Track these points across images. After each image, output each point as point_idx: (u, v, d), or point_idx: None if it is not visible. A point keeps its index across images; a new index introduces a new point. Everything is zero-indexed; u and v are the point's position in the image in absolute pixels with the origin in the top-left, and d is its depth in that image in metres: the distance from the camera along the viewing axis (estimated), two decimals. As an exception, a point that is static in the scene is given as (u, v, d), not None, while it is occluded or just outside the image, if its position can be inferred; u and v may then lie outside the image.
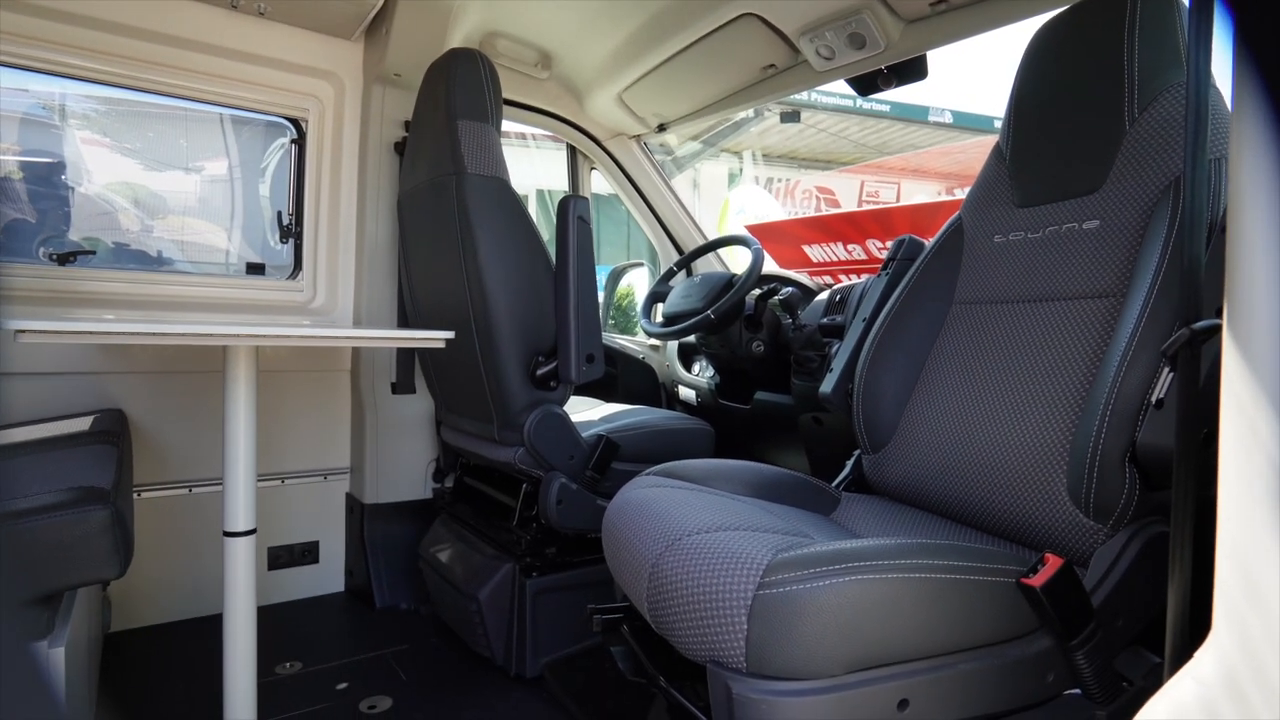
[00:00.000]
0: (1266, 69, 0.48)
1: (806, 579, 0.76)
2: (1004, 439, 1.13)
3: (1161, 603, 0.67)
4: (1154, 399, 0.84)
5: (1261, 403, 0.45)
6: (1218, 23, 0.65)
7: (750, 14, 1.83)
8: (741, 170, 10.86)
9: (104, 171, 2.32)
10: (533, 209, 8.16)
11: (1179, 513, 0.63)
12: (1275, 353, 0.45)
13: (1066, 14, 1.24)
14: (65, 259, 1.90)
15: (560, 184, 2.90)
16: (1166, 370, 0.83)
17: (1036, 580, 0.82)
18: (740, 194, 7.27)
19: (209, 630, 1.84)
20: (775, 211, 6.26)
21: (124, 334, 1.08)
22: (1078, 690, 0.89)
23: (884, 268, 1.58)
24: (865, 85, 1.97)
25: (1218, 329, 0.57)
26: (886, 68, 1.86)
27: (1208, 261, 0.72)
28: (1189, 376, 0.62)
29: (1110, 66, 1.13)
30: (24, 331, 0.98)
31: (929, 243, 1.44)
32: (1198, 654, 0.49)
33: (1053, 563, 0.83)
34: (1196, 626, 0.59)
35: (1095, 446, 0.93)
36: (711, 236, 2.62)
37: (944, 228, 1.41)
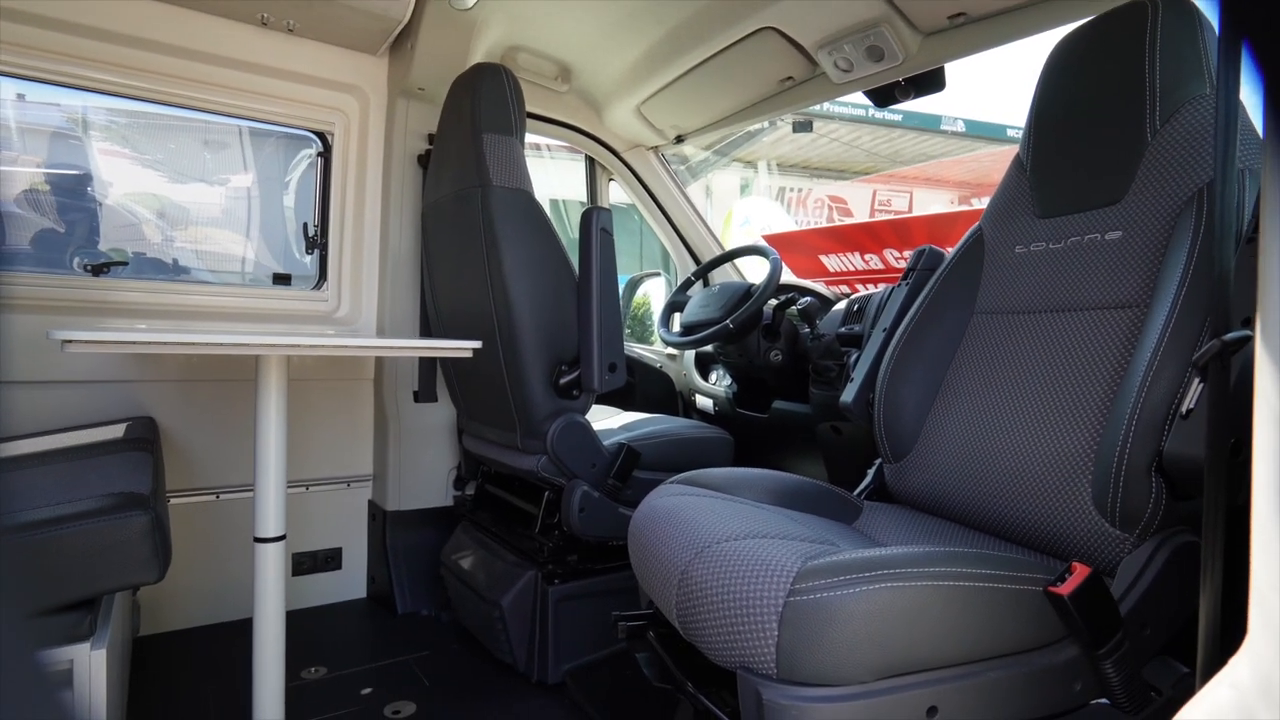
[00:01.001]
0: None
1: (837, 586, 0.77)
2: (1027, 448, 1.14)
3: (1189, 612, 0.68)
4: (1184, 409, 0.85)
5: (1295, 413, 0.46)
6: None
7: (769, 28, 1.86)
8: (754, 179, 10.89)
9: (133, 184, 2.37)
10: (547, 218, 8.23)
11: (1210, 522, 0.64)
12: (1307, 365, 0.46)
13: (1086, 27, 1.25)
14: (99, 270, 1.95)
15: (574, 194, 2.94)
16: (1197, 381, 0.83)
17: (1064, 589, 0.83)
18: (744, 205, 7.28)
19: (235, 635, 1.88)
20: (781, 222, 6.26)
21: (165, 344, 1.11)
22: (1106, 700, 0.89)
23: (904, 277, 1.60)
24: (882, 97, 1.99)
25: (1248, 340, 0.57)
26: (904, 79, 1.88)
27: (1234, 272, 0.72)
28: (1220, 387, 0.63)
29: (1131, 79, 1.14)
30: (70, 341, 1.01)
31: (949, 253, 1.46)
32: (1233, 660, 0.50)
33: (1080, 571, 0.84)
34: (1226, 635, 0.59)
35: (1121, 456, 0.94)
36: (724, 247, 2.64)
37: (964, 238, 1.43)
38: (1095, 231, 1.18)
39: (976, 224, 1.43)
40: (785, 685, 0.78)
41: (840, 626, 0.76)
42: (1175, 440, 0.88)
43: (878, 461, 1.46)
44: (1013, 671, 0.84)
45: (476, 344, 1.36)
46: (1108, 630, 0.85)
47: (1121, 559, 0.96)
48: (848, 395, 1.50)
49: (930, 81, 1.88)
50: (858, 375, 1.50)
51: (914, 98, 1.94)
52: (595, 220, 1.65)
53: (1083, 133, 1.23)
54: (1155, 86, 1.12)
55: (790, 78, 2.08)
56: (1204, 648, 0.63)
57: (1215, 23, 0.71)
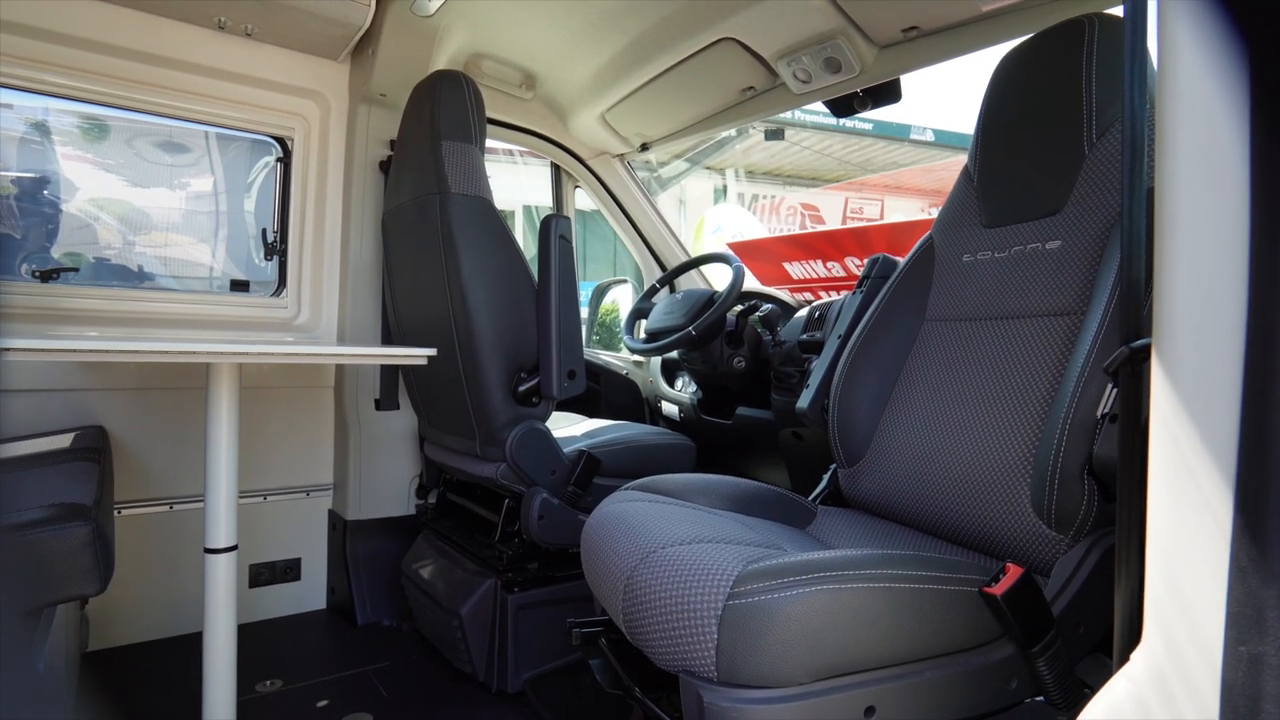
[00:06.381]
0: (1188, 100, 0.51)
1: (775, 589, 0.79)
2: (972, 452, 1.16)
3: None
4: (1099, 413, 0.88)
5: (1184, 419, 0.48)
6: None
7: (729, 38, 1.88)
8: (726, 188, 10.98)
9: (88, 188, 2.32)
10: (519, 224, 8.22)
11: (1124, 522, 0.66)
12: (1197, 373, 0.49)
13: (1028, 43, 1.29)
14: (48, 276, 1.91)
15: (546, 199, 2.94)
16: (1110, 385, 0.86)
17: (997, 589, 0.85)
18: (717, 211, 7.35)
19: (189, 649, 1.83)
20: (752, 228, 6.32)
21: (108, 351, 1.09)
22: (1041, 697, 0.92)
23: (858, 285, 1.62)
24: (841, 107, 2.02)
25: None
26: (862, 90, 1.92)
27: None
28: (1130, 392, 0.65)
29: (1070, 93, 1.18)
30: (9, 350, 0.99)
31: (902, 261, 1.49)
32: (1132, 656, 0.52)
33: (1013, 572, 0.86)
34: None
35: (1056, 459, 0.96)
36: (691, 254, 2.67)
37: (915, 247, 1.46)
38: (1037, 241, 1.21)
39: (928, 233, 1.47)
40: (725, 688, 0.79)
41: (777, 629, 0.77)
42: (1103, 443, 0.90)
43: (833, 466, 1.48)
44: (949, 671, 0.86)
45: (430, 351, 1.36)
46: (1041, 629, 0.88)
47: (1057, 559, 0.99)
48: (803, 401, 1.52)
49: (887, 93, 1.92)
50: (813, 381, 1.52)
51: (871, 108, 1.99)
52: (554, 228, 1.66)
53: (1025, 145, 1.27)
54: (1092, 101, 1.16)
55: (751, 87, 2.10)
56: (1119, 645, 0.65)
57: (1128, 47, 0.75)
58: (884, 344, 1.41)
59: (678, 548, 0.91)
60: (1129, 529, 0.65)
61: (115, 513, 1.76)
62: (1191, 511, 0.48)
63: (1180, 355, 0.49)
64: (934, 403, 1.28)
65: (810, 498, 1.44)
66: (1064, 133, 1.19)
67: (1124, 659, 0.60)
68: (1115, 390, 0.84)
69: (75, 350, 1.08)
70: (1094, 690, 0.93)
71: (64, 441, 1.61)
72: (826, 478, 1.49)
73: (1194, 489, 0.47)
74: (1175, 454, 0.49)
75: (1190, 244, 0.50)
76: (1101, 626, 0.95)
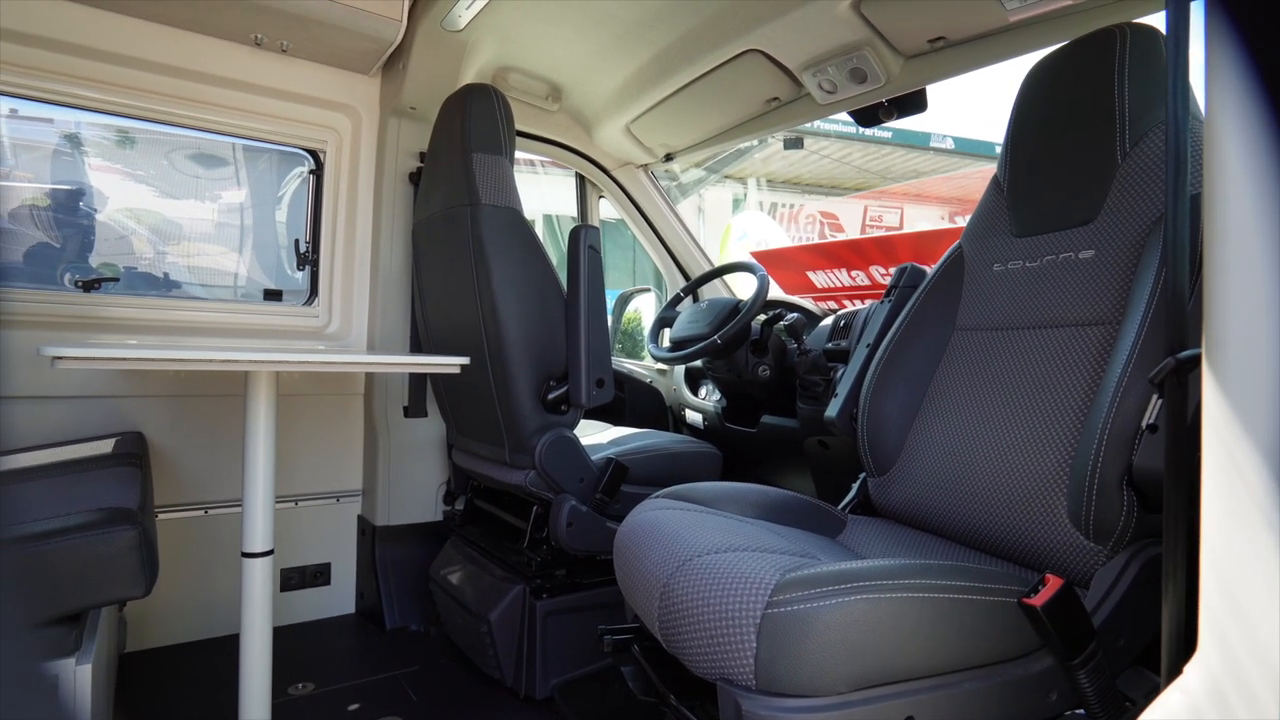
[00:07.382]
0: (1237, 107, 0.52)
1: (814, 598, 0.79)
2: (1005, 462, 1.16)
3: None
4: (1144, 424, 0.87)
5: (1237, 430, 0.48)
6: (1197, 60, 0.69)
7: (754, 50, 1.90)
8: (746, 196, 10.99)
9: (125, 200, 2.38)
10: (539, 233, 8.29)
11: (1170, 534, 0.66)
12: (1249, 383, 0.49)
13: (1059, 53, 1.29)
14: (90, 286, 1.96)
15: (566, 209, 2.96)
16: (1155, 396, 0.86)
17: (1037, 600, 0.84)
18: (742, 219, 7.36)
19: (223, 651, 1.87)
20: (777, 236, 6.32)
21: (154, 359, 1.13)
22: (1081, 710, 0.91)
23: (887, 294, 1.62)
24: (866, 117, 2.03)
25: (1199, 358, 0.60)
26: (887, 101, 1.92)
27: (1197, 292, 0.75)
28: (1176, 403, 0.65)
29: (1102, 103, 1.18)
30: (61, 358, 1.02)
31: (930, 270, 1.48)
32: (1186, 668, 0.52)
33: (1053, 583, 0.86)
34: (1193, 645, 0.61)
35: (1094, 470, 0.96)
36: (715, 262, 2.67)
37: (945, 256, 1.45)
38: (1069, 250, 1.21)
39: (957, 242, 1.46)
40: (764, 696, 0.80)
41: (816, 638, 0.78)
42: (1143, 454, 0.90)
43: (862, 475, 1.48)
44: (989, 682, 0.86)
45: (464, 360, 1.38)
46: (1081, 641, 0.87)
47: (1096, 571, 0.98)
48: (832, 410, 1.52)
49: (912, 103, 1.92)
50: (842, 390, 1.52)
51: (897, 118, 1.99)
52: (583, 238, 1.67)
53: (1057, 155, 1.26)
54: (1125, 111, 1.16)
55: (776, 98, 2.11)
56: (1167, 656, 0.65)
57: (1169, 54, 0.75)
58: (913, 353, 1.41)
59: (714, 556, 0.92)
60: (1176, 541, 0.64)
61: (153, 517, 1.80)
62: (1247, 523, 0.48)
63: (1233, 366, 0.49)
64: (965, 412, 1.28)
65: (840, 507, 1.44)
66: (1096, 143, 1.19)
67: (1175, 671, 0.59)
68: (1160, 401, 0.84)
69: (124, 359, 1.11)
70: (1135, 703, 0.92)
71: (105, 447, 1.65)
72: (856, 487, 1.48)
73: (1249, 501, 0.47)
74: (1230, 465, 0.49)
75: (1242, 252, 0.50)
76: (1143, 639, 0.94)
